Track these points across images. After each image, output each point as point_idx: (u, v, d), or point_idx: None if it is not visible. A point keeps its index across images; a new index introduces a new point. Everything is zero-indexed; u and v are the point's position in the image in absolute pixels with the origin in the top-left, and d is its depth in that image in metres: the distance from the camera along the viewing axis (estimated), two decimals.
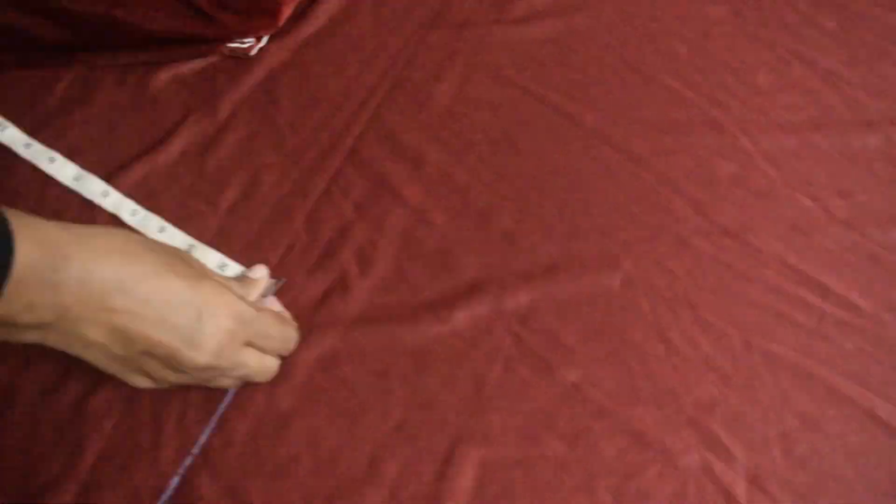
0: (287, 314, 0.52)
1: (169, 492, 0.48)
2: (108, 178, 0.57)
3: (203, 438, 0.49)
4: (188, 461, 0.49)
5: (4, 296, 0.37)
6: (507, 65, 0.62)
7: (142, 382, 0.47)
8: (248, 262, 0.54)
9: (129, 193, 0.56)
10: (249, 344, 0.47)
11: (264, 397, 0.50)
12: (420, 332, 0.52)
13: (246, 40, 0.61)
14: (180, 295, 0.43)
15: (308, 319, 0.52)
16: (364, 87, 0.60)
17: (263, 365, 0.49)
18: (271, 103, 0.60)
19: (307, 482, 0.48)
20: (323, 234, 0.55)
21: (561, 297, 0.54)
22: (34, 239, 0.38)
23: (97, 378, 0.49)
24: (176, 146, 0.58)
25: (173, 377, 0.46)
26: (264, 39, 0.62)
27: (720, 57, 0.64)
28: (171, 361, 0.44)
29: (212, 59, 0.61)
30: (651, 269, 0.55)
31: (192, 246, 0.54)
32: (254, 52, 0.61)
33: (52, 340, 0.42)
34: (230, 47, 0.61)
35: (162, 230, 0.55)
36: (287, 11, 0.61)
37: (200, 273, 0.46)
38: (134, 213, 0.56)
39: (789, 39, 0.65)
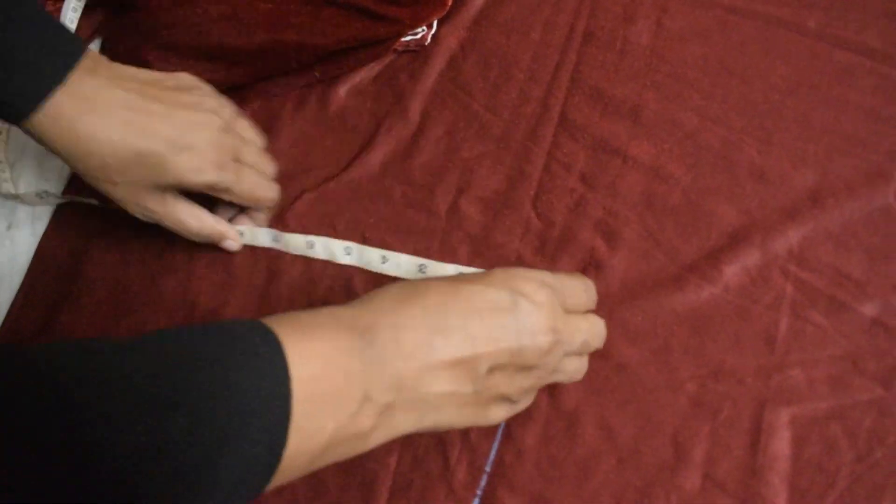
0: None
1: None
2: None
3: (493, 454, 0.48)
4: (483, 480, 0.47)
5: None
6: None
7: (499, 412, 0.42)
8: (486, 265, 0.51)
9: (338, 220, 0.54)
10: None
11: (547, 398, 0.48)
12: (690, 296, 0.49)
13: (417, 31, 0.58)
14: (486, 293, 0.40)
15: None
16: (554, 48, 0.56)
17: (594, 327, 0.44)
18: (461, 90, 0.56)
19: (613, 479, 0.46)
20: (557, 216, 0.52)
21: (834, 226, 0.49)
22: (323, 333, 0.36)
23: None
24: (376, 159, 0.56)
25: (525, 381, 0.41)
26: (435, 25, 0.58)
27: None
28: (517, 359, 0.40)
29: (387, 59, 0.58)
30: None
31: (422, 266, 0.52)
32: (428, 40, 0.58)
33: (402, 423, 0.38)
34: (403, 42, 0.58)
35: (384, 260, 0.53)
36: None
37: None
38: (348, 251, 0.54)
39: None
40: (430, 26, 0.58)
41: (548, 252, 0.51)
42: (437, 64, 0.57)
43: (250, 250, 0.55)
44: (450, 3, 0.57)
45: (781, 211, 0.49)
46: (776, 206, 0.50)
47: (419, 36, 0.58)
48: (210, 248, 0.55)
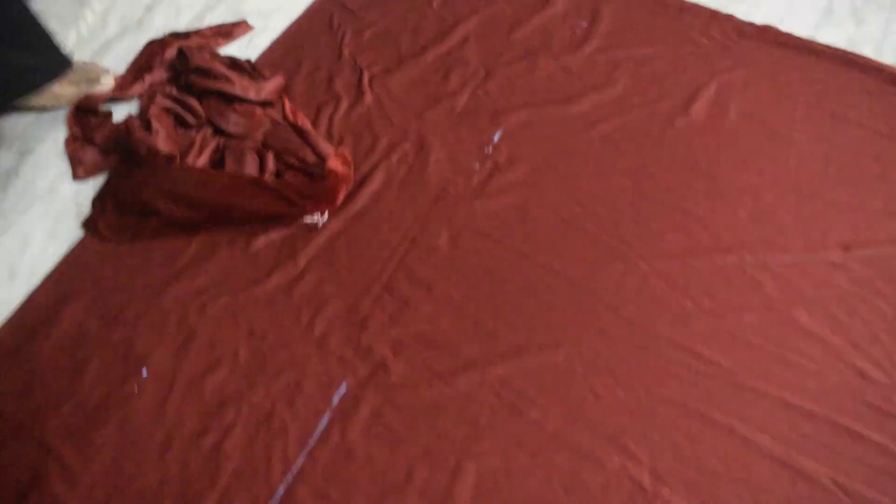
0: None
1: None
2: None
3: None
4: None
5: None
6: (486, 225, 0.95)
7: None
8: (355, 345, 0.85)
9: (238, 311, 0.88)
10: None
11: (339, 436, 0.79)
12: (436, 392, 0.82)
13: (315, 216, 0.94)
14: None
15: (361, 388, 0.82)
16: (392, 244, 0.93)
17: None
18: (333, 256, 0.92)
19: (367, 487, 0.76)
20: (370, 332, 0.86)
21: (526, 368, 0.84)
22: None
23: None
24: (271, 284, 0.90)
25: None
26: (326, 215, 0.95)
27: (628, 213, 0.97)
28: None
29: (292, 229, 0.94)
30: (582, 349, 0.85)
31: None
32: (320, 225, 0.94)
33: None
34: (304, 222, 0.94)
35: None
36: (342, 197, 0.94)
37: None
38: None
39: (672, 198, 0.98)
40: (322, 214, 0.95)
41: (357, 347, 0.84)
42: (322, 239, 0.94)
43: None
44: (338, 204, 0.94)
45: (498, 355, 0.84)
46: (496, 352, 0.85)
47: (315, 220, 0.94)
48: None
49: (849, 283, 0.91)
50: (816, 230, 0.96)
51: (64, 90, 1.02)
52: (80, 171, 0.98)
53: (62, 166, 1.00)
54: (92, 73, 1.04)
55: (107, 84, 1.05)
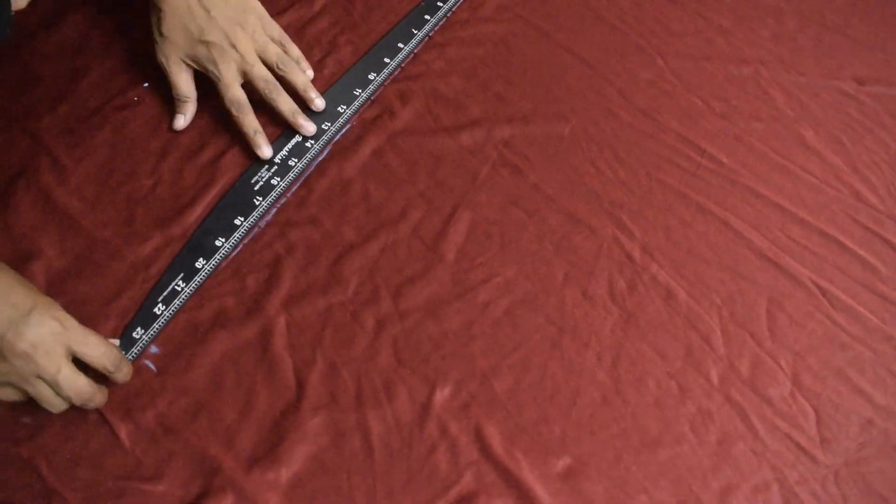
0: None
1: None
2: None
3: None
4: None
5: None
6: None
7: None
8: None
9: None
10: (72, 354, 0.51)
11: (336, 169, 0.75)
12: (439, 143, 0.77)
13: None
14: (17, 291, 0.49)
15: (365, 129, 0.77)
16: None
17: (76, 382, 0.51)
18: (350, 4, 0.86)
19: (360, 218, 0.72)
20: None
21: (530, 134, 0.79)
22: None
23: None
24: (283, 20, 0.84)
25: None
26: None
27: (650, 11, 0.91)
28: None
29: None
30: (588, 125, 0.81)
31: None
32: None
33: None
34: None
35: None
36: None
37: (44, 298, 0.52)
38: None
39: (696, 5, 0.93)
40: None
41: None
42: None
43: None
44: None
45: (504, 118, 0.80)
46: (503, 115, 0.80)
47: None
48: None
49: (858, 112, 0.87)
50: (834, 60, 0.91)
51: None
52: None
53: None
54: None
55: None
